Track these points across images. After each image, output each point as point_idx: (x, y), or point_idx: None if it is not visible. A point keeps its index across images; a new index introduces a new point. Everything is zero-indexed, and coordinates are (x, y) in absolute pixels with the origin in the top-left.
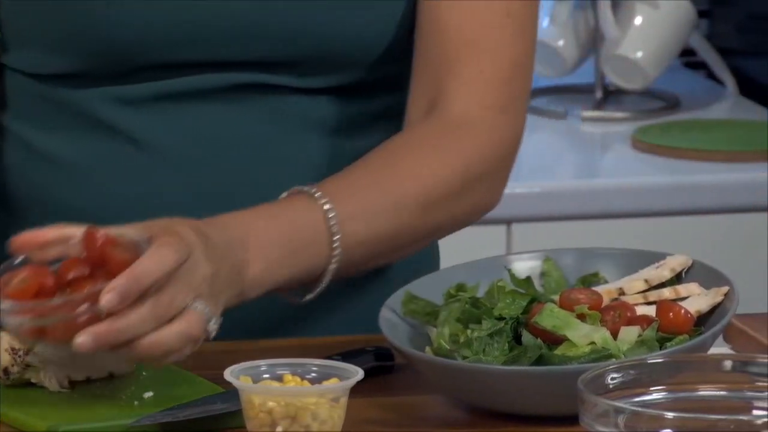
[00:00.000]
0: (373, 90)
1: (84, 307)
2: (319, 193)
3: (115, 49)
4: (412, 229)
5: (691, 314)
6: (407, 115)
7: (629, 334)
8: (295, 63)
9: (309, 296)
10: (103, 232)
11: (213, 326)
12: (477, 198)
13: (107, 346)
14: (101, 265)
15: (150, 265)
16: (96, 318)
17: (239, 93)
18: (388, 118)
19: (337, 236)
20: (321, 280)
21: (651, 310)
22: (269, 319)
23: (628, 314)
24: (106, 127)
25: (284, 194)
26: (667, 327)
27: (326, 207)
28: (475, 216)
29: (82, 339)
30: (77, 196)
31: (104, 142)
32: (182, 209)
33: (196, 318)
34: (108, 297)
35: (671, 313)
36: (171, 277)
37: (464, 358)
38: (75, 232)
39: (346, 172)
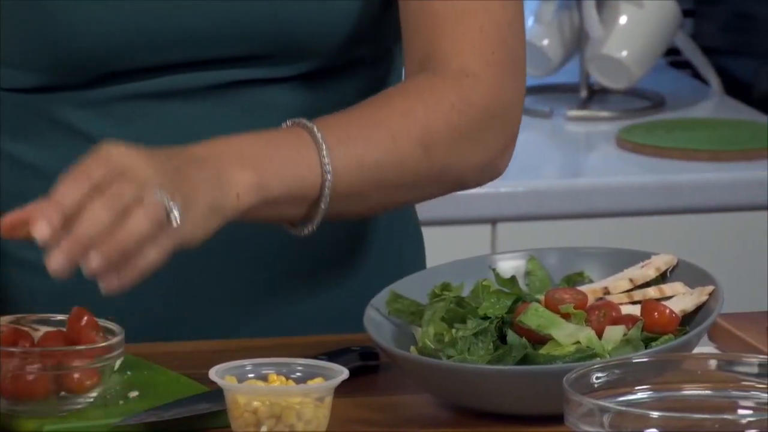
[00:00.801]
0: (349, 73)
1: (35, 367)
2: (305, 120)
3: (84, 57)
4: (414, 165)
5: (676, 314)
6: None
7: (614, 333)
8: (264, 56)
9: (313, 223)
10: (89, 315)
11: (175, 215)
12: (484, 147)
13: (78, 255)
14: (76, 342)
15: (65, 186)
16: (45, 378)
17: (212, 90)
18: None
19: (326, 150)
20: (320, 201)
21: (636, 310)
22: (256, 316)
23: (613, 314)
24: (79, 133)
25: None
26: (652, 326)
27: (314, 129)
28: (485, 174)
29: (53, 261)
30: None
31: (80, 148)
32: None
33: (154, 201)
34: (37, 227)
35: (656, 313)
36: (111, 179)
37: (449, 357)
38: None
39: (338, 112)
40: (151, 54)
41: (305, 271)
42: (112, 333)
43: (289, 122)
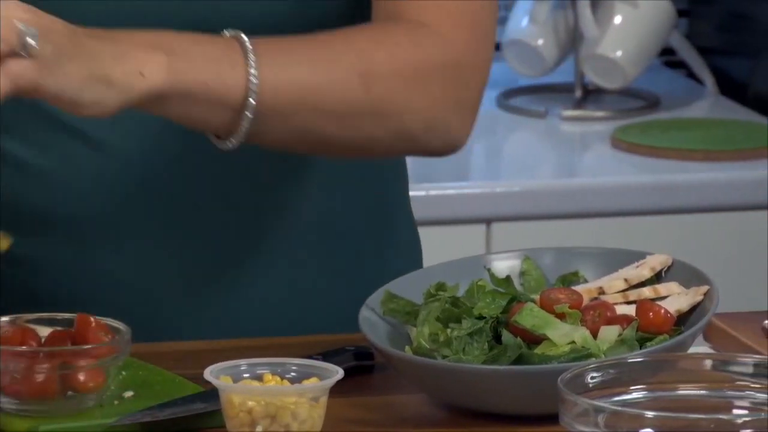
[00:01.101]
0: None
1: (44, 367)
2: (240, 32)
3: None
4: (349, 93)
5: (671, 314)
6: None
7: (609, 333)
8: None
9: (238, 136)
10: (97, 320)
11: (31, 42)
12: (430, 95)
13: None
14: (82, 342)
15: None
16: (53, 379)
17: None
18: None
19: (252, 54)
20: (245, 109)
21: (631, 310)
22: (251, 318)
23: (608, 313)
24: (79, 133)
25: None
26: (647, 326)
27: (242, 36)
28: (436, 131)
29: None
30: (49, 200)
31: (79, 147)
32: (150, 209)
33: (5, 28)
34: None
35: (651, 313)
36: None
37: (444, 357)
38: None
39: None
40: None
41: (301, 273)
42: (118, 332)
43: (226, 33)
